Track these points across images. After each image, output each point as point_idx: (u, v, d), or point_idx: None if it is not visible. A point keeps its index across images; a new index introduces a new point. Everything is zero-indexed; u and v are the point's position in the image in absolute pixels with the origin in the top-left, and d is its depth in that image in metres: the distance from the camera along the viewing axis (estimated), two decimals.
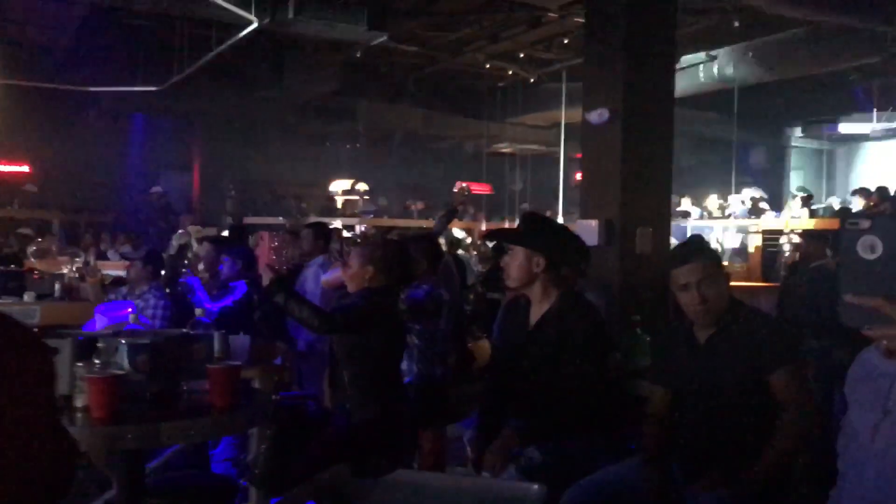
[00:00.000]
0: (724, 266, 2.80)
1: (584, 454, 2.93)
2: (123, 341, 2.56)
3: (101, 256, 10.45)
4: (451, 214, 7.37)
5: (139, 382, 2.50)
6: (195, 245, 8.09)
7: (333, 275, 5.37)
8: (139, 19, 11.92)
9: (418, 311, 4.45)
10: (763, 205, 13.61)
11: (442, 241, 7.43)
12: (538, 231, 3.11)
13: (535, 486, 1.90)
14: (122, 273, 6.41)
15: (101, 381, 2.31)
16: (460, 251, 9.91)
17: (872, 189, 11.27)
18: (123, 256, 10.19)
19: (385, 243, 4.40)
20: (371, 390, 3.60)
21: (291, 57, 13.09)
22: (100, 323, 4.62)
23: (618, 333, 4.47)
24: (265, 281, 3.56)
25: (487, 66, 14.30)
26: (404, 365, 4.20)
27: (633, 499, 2.70)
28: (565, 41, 12.59)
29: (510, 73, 14.82)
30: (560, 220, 13.73)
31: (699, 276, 2.69)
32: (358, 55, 13.42)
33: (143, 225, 13.37)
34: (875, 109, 14.40)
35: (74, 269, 6.20)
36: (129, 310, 4.34)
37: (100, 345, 2.54)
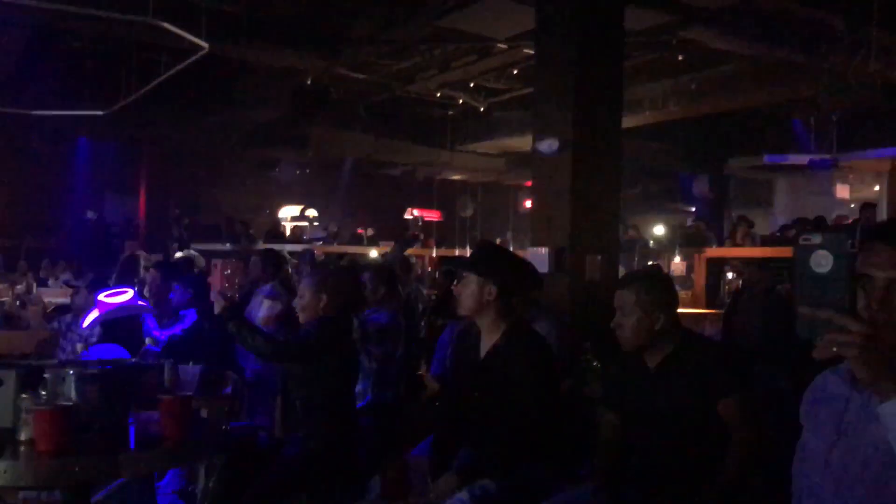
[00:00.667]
0: (663, 298, 2.82)
1: (537, 483, 2.94)
2: (71, 371, 2.50)
3: (42, 283, 10.19)
4: (408, 242, 7.40)
5: (87, 413, 2.44)
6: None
7: (270, 311, 5.39)
8: (85, 43, 11.77)
9: (381, 334, 4.50)
10: (706, 234, 13.91)
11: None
12: (491, 259, 3.13)
13: None
14: (64, 300, 6.26)
15: (48, 413, 2.26)
16: None
17: (811, 218, 11.61)
18: (66, 284, 9.95)
19: (335, 270, 4.44)
20: (325, 418, 3.58)
21: (241, 82, 13.03)
22: (101, 309, 4.60)
23: (570, 361, 4.52)
24: (217, 309, 3.52)
25: (438, 94, 14.42)
26: (359, 387, 4.21)
27: None
28: (515, 72, 12.77)
29: (461, 101, 14.96)
30: (510, 247, 13.86)
31: (620, 302, 2.79)
32: (309, 81, 13.42)
33: (86, 251, 13.09)
34: (813, 140, 14.87)
35: (14, 296, 6.05)
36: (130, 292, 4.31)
37: (46, 375, 2.48)
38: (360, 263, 10.70)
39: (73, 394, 2.46)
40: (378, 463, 2.86)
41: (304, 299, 3.64)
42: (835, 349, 1.39)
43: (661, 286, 2.87)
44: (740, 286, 9.06)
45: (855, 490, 1.64)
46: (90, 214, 13.96)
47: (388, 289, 4.87)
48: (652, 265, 9.97)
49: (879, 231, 1.69)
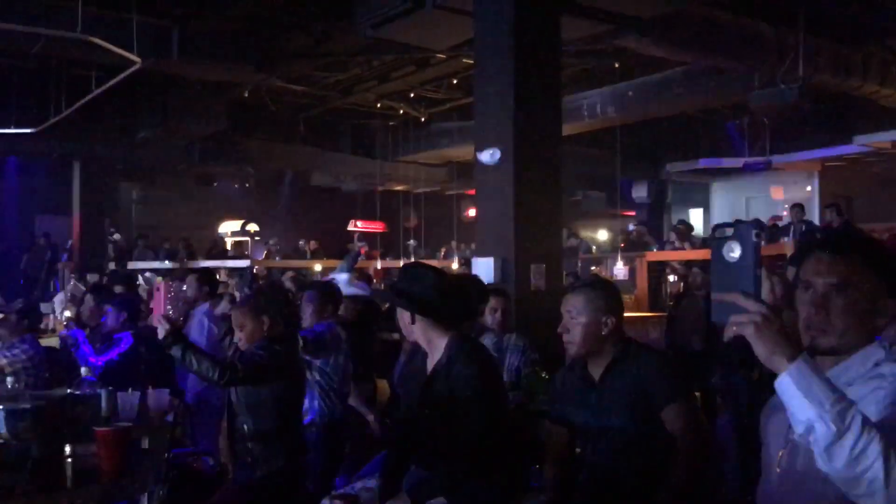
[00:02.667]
0: (611, 303, 2.82)
1: (489, 498, 2.91)
2: (0, 407, 2.39)
3: None
4: (356, 256, 7.35)
5: (19, 451, 2.33)
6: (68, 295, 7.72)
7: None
8: (13, 59, 11.42)
9: (318, 345, 4.45)
10: (647, 238, 14.14)
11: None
12: (415, 288, 3.02)
13: None
14: None
15: None
16: None
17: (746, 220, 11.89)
18: None
19: (265, 290, 4.40)
20: (275, 441, 3.50)
21: (175, 97, 12.79)
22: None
23: (517, 373, 4.52)
24: (161, 332, 3.42)
25: (378, 105, 14.38)
26: (305, 403, 4.14)
27: None
28: (454, 81, 12.81)
29: (401, 112, 14.95)
30: (453, 256, 13.86)
31: (569, 307, 2.80)
32: (245, 95, 13.25)
33: (18, 274, 12.68)
34: (747, 144, 15.25)
35: None
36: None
37: None
38: (306, 278, 10.58)
39: (2, 430, 2.35)
40: (326, 485, 2.79)
41: (247, 327, 3.55)
42: (735, 329, 1.52)
43: (610, 292, 2.88)
44: (682, 289, 9.22)
45: (800, 495, 1.69)
46: (116, 237, 13.47)
47: (335, 307, 4.87)
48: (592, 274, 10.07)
49: (818, 241, 1.80)
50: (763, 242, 1.73)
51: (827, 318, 1.68)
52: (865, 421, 1.46)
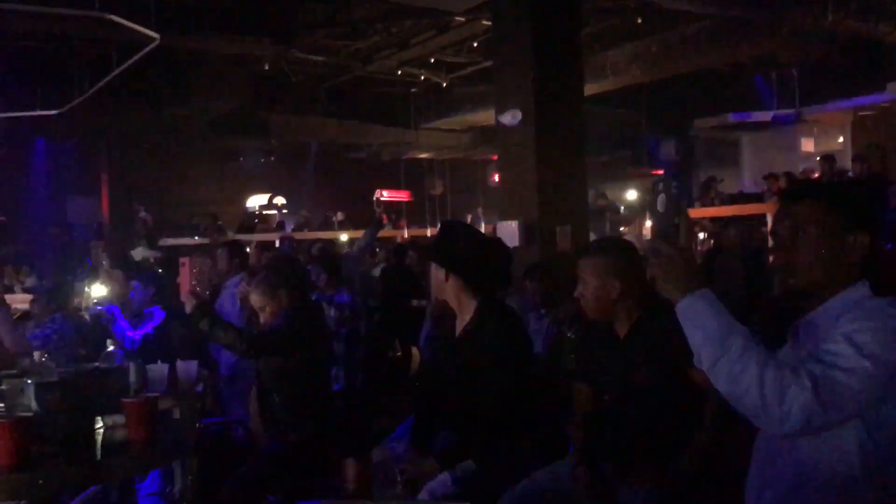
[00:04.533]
0: (618, 265, 2.76)
1: (519, 461, 2.91)
2: (30, 381, 2.42)
3: (8, 291, 9.97)
4: (378, 226, 7.35)
5: (49, 423, 2.36)
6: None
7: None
8: (33, 41, 11.48)
9: (344, 315, 4.50)
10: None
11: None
12: (452, 245, 3.02)
13: None
14: (27, 307, 6.12)
15: (6, 425, 2.17)
16: None
17: (780, 174, 11.68)
18: (28, 290, 9.74)
19: (275, 265, 4.43)
20: (304, 410, 3.53)
21: (197, 73, 12.80)
22: None
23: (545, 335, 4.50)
24: (188, 308, 3.45)
25: (399, 72, 14.27)
26: (332, 372, 4.19)
27: (566, 499, 2.69)
28: (475, 45, 12.66)
29: (422, 78, 14.83)
30: (481, 223, 13.82)
31: (579, 272, 2.77)
32: (266, 68, 13.22)
33: (50, 255, 12.84)
34: (775, 96, 14.94)
35: None
36: None
37: (3, 386, 2.40)
38: (333, 248, 10.62)
39: (33, 404, 2.38)
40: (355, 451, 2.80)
41: (267, 308, 3.57)
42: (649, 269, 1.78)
43: (616, 254, 2.78)
44: (712, 246, 9.11)
45: (778, 467, 1.82)
46: (143, 215, 13.59)
47: (330, 275, 4.93)
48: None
49: (780, 193, 2.03)
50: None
51: (789, 259, 1.82)
52: (746, 348, 1.65)
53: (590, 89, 8.09)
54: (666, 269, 1.75)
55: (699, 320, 1.71)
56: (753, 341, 1.68)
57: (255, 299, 3.61)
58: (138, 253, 10.42)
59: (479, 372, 2.90)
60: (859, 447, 1.68)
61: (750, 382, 1.64)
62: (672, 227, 1.84)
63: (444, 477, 2.81)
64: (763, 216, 9.65)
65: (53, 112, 11.54)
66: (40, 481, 2.14)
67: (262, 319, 3.64)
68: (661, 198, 1.88)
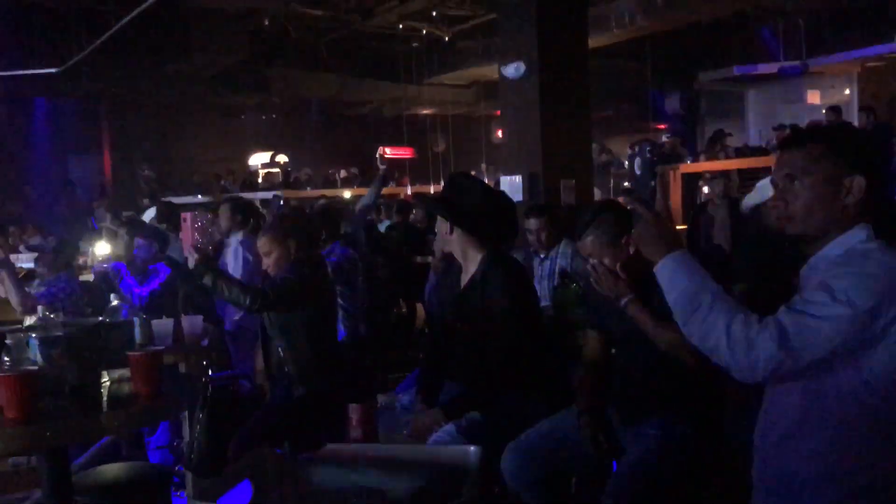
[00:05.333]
0: (607, 242, 2.68)
1: (524, 411, 2.92)
2: (34, 335, 2.42)
3: (14, 250, 9.98)
4: (383, 182, 7.29)
5: (55, 377, 2.36)
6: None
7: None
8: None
9: (338, 273, 4.52)
10: (680, 150, 13.86)
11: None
12: (458, 198, 2.99)
13: (472, 448, 1.87)
14: (32, 265, 6.12)
15: (12, 379, 2.18)
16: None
17: (787, 125, 11.58)
18: (33, 248, 9.75)
19: (288, 214, 4.43)
20: (310, 363, 3.54)
21: (197, 29, 12.66)
22: None
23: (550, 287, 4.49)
24: (191, 263, 3.44)
25: (400, 26, 14.10)
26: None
27: (571, 448, 2.71)
28: None
29: (424, 32, 14.65)
30: (485, 179, 13.75)
31: (589, 250, 2.71)
32: (266, 23, 13.08)
33: (53, 214, 12.83)
34: (781, 48, 14.75)
35: None
36: None
37: (8, 341, 2.40)
38: (336, 205, 10.59)
39: (38, 358, 2.39)
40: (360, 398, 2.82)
41: (274, 253, 3.55)
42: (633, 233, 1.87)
43: (609, 229, 2.70)
44: (703, 199, 9.07)
45: (780, 410, 1.87)
46: (148, 173, 13.52)
47: (332, 231, 4.95)
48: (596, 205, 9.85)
49: (777, 143, 1.98)
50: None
51: (787, 207, 1.84)
52: (714, 303, 1.74)
53: (594, 42, 7.95)
54: (646, 233, 1.83)
55: (674, 280, 1.80)
56: (722, 297, 1.75)
57: (262, 243, 3.61)
58: (147, 215, 10.40)
59: (484, 323, 2.90)
60: (855, 389, 1.73)
61: (719, 336, 1.71)
62: (649, 190, 1.88)
63: (450, 428, 2.83)
64: (769, 169, 9.58)
65: (53, 70, 11.45)
66: (48, 433, 2.15)
67: (264, 264, 3.64)
68: (637, 161, 1.93)
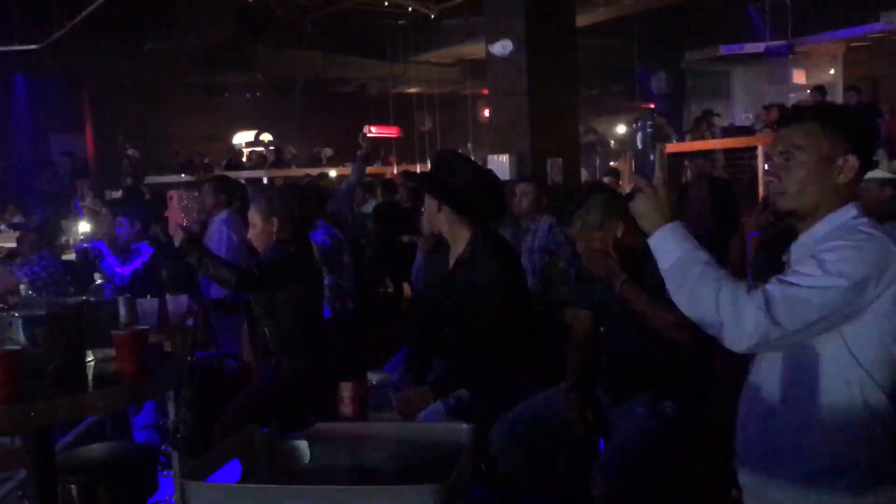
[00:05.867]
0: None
1: (512, 389, 2.92)
2: (17, 315, 2.39)
3: None
4: (364, 161, 7.24)
5: (39, 357, 2.33)
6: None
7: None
8: None
9: (323, 252, 4.51)
10: (667, 129, 13.85)
11: None
12: (446, 176, 2.98)
13: (464, 426, 1.86)
14: (14, 245, 6.05)
15: None
16: None
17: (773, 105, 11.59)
18: (15, 227, 9.62)
19: (279, 191, 4.40)
20: (296, 341, 3.53)
21: (180, 6, 12.49)
22: None
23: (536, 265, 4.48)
24: (177, 241, 3.42)
25: (386, 3, 13.98)
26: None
27: (559, 426, 2.71)
28: None
29: (410, 9, 14.52)
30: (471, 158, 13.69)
31: (579, 234, 2.75)
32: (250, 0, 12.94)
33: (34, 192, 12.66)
34: (768, 27, 14.74)
35: None
36: None
37: None
38: (321, 184, 10.51)
39: (21, 338, 2.35)
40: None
41: (257, 227, 3.54)
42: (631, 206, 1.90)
43: (596, 213, 2.74)
44: (688, 178, 9.07)
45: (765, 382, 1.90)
46: (132, 152, 13.33)
47: (317, 210, 4.95)
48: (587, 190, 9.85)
49: (776, 121, 2.01)
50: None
51: (782, 182, 1.87)
52: (704, 273, 1.77)
53: (581, 20, 7.92)
54: (644, 205, 1.87)
55: (665, 251, 1.84)
56: (713, 266, 1.78)
57: (250, 214, 3.61)
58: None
59: (472, 301, 2.89)
60: (840, 363, 1.76)
61: (707, 304, 1.74)
62: (649, 164, 1.92)
63: (438, 406, 2.82)
64: (754, 148, 9.59)
65: (33, 47, 11.28)
66: (32, 413, 2.13)
67: (249, 234, 3.63)
68: (640, 135, 1.96)
